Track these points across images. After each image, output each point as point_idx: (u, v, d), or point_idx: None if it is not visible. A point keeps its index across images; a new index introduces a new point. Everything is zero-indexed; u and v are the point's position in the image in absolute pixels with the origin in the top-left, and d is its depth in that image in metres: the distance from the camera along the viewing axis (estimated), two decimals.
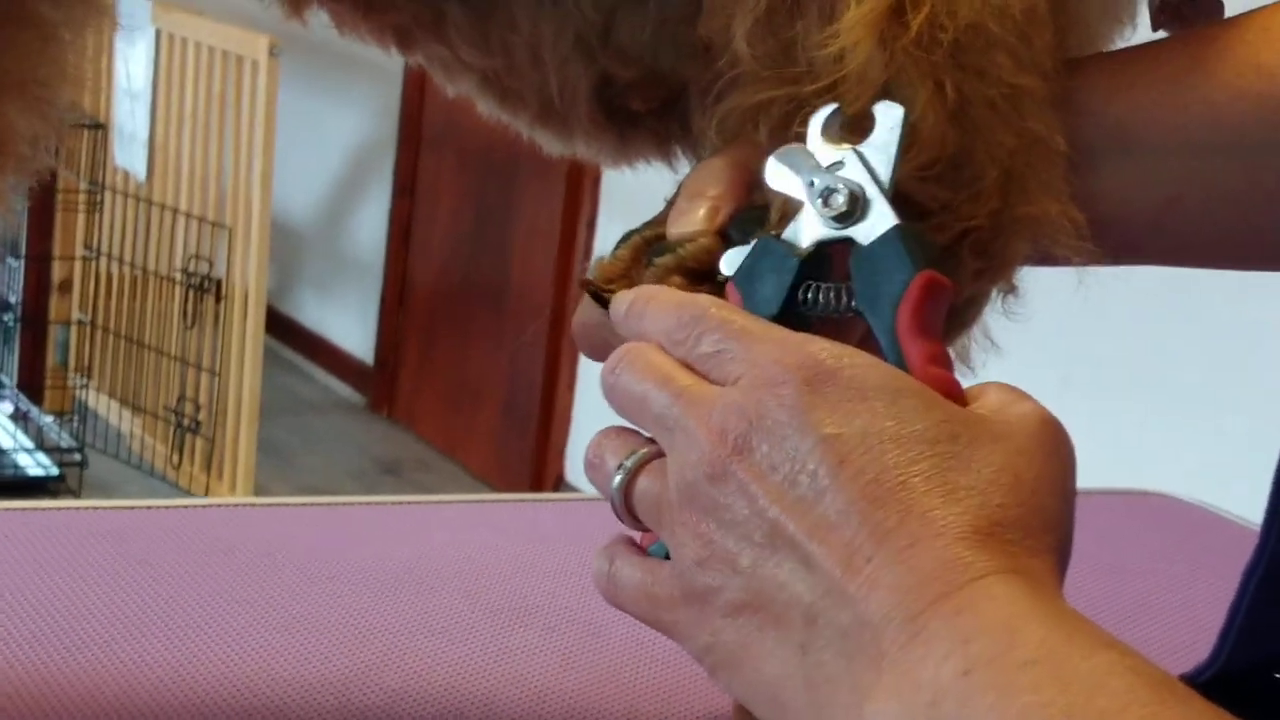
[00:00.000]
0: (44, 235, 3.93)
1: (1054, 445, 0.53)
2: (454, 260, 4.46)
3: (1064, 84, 0.65)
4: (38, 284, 3.95)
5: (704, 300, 0.57)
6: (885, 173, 0.59)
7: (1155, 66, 0.66)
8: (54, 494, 3.62)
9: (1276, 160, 0.63)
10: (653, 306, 0.58)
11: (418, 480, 4.20)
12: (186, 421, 3.73)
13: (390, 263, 4.65)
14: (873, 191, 0.58)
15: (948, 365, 0.56)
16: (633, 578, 0.57)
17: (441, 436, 4.45)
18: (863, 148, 0.59)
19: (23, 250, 3.93)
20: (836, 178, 0.59)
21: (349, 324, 4.82)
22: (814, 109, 0.62)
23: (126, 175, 3.85)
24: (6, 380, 3.96)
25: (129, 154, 3.82)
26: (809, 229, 0.59)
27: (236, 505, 1.20)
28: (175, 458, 3.76)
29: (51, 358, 4.05)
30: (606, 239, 0.72)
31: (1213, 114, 0.65)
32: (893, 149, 0.59)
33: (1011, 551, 0.49)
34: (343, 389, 4.81)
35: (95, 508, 1.14)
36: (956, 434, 0.51)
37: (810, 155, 0.60)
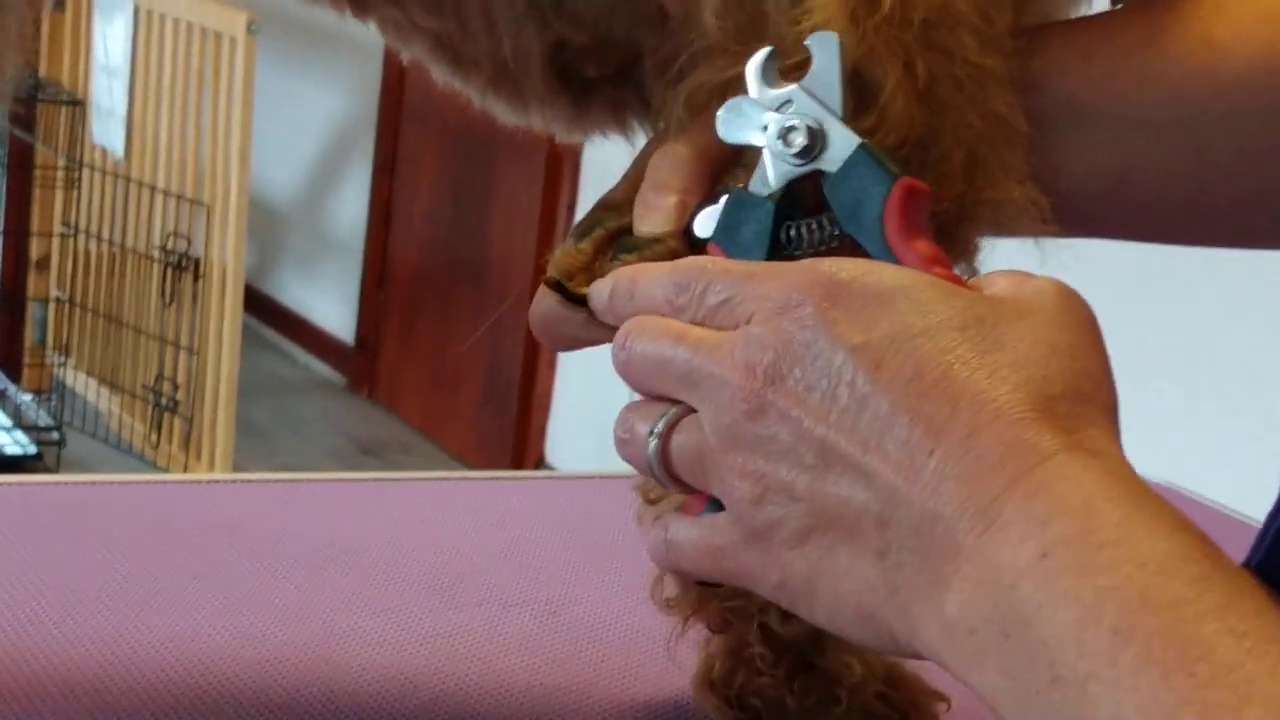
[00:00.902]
0: (22, 212, 3.92)
1: (1077, 310, 0.53)
2: (435, 240, 4.45)
3: (1023, 63, 0.64)
4: (15, 261, 3.93)
5: (697, 259, 0.57)
6: (835, 99, 0.58)
7: (1109, 40, 0.66)
8: (32, 473, 3.61)
9: (1228, 136, 0.63)
10: (642, 281, 0.58)
11: (398, 461, 4.19)
12: (165, 401, 3.72)
13: (371, 242, 4.64)
14: (829, 121, 0.58)
15: (946, 264, 0.56)
16: (690, 536, 0.57)
17: (422, 417, 4.44)
18: (806, 82, 0.59)
19: (0, 227, 3.91)
20: (790, 115, 0.59)
21: (329, 303, 4.80)
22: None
23: (104, 152, 3.83)
24: None
25: (107, 131, 3.80)
26: (775, 171, 0.59)
27: (197, 482, 1.20)
28: (154, 437, 3.75)
29: (30, 335, 4.03)
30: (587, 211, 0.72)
31: (1165, 89, 0.65)
32: (834, 75, 0.59)
33: (1071, 425, 0.49)
34: (323, 369, 4.80)
35: (58, 483, 1.13)
36: (982, 316, 0.51)
37: (756, 102, 0.60)
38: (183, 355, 3.69)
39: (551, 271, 0.63)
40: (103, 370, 3.94)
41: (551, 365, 3.96)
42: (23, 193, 3.90)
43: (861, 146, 0.57)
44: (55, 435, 3.73)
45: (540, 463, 4.01)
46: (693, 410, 0.55)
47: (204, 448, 3.64)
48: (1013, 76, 0.64)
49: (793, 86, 0.59)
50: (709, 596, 0.81)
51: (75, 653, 0.82)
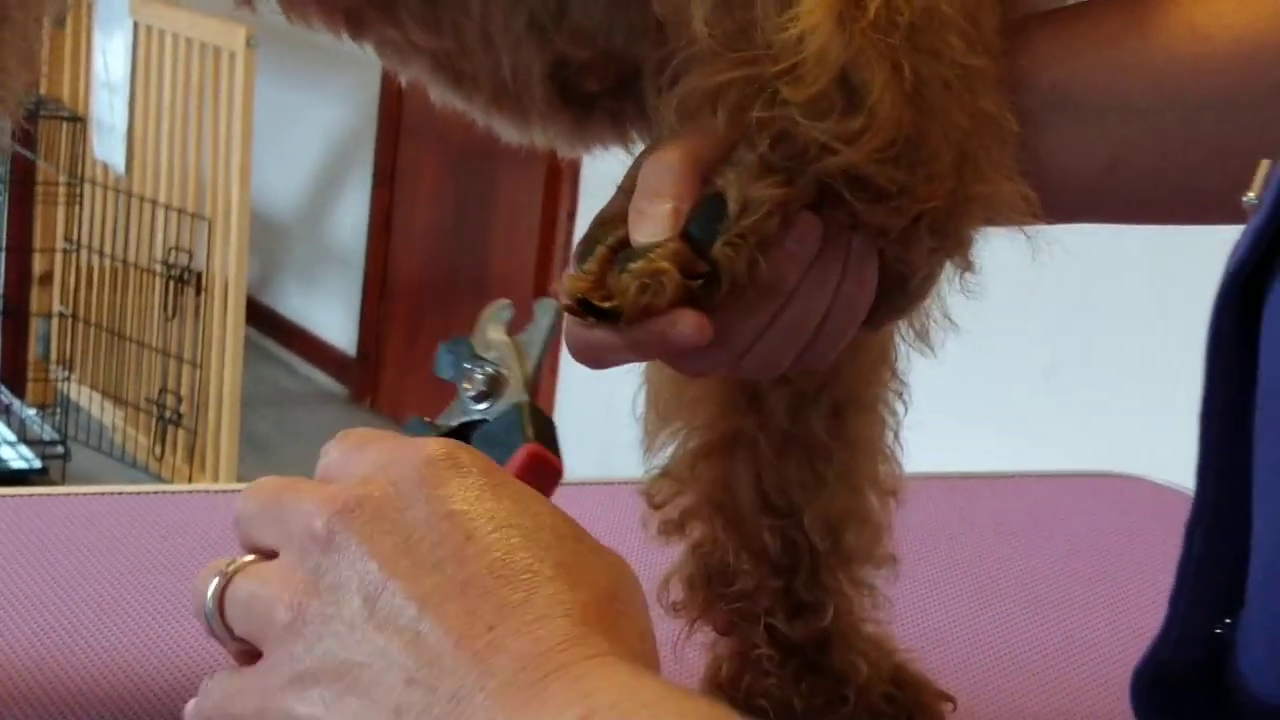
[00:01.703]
0: (24, 228, 3.92)
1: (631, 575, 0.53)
2: (435, 250, 4.45)
3: (1011, 62, 0.65)
4: (18, 277, 3.94)
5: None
6: (532, 358, 0.60)
7: (1093, 28, 0.67)
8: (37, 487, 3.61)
9: (1213, 119, 0.64)
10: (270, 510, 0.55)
11: None
12: (168, 413, 3.72)
13: (371, 253, 4.65)
14: (514, 375, 0.60)
15: None
16: (218, 687, 0.53)
17: None
18: (521, 336, 0.61)
19: (3, 243, 3.92)
20: (484, 362, 0.60)
21: (331, 315, 4.81)
22: (773, 90, 0.62)
23: (106, 168, 3.84)
24: None
25: (108, 147, 3.80)
26: (458, 412, 0.60)
27: (196, 492, 1.20)
28: (158, 449, 3.76)
29: (33, 350, 4.04)
30: (586, 228, 0.72)
31: (1149, 75, 0.66)
32: (540, 339, 0.60)
33: (622, 638, 0.49)
34: (325, 380, 4.80)
35: (60, 494, 1.14)
36: (580, 535, 0.51)
37: (470, 345, 0.61)
38: (186, 368, 3.69)
39: (565, 299, 0.64)
40: (106, 384, 3.94)
41: (553, 373, 3.97)
42: (25, 209, 3.91)
43: (516, 404, 0.58)
44: (60, 449, 3.74)
45: None
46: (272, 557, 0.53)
47: (208, 460, 3.65)
48: (1001, 75, 0.65)
49: (507, 339, 0.60)
50: (715, 599, 0.82)
51: (78, 662, 0.83)
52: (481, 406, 0.60)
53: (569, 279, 0.64)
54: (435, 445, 0.52)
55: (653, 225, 0.64)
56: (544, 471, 0.57)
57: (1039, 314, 2.48)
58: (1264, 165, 0.55)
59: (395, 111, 4.52)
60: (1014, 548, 1.13)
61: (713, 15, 0.64)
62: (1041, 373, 2.54)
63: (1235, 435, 0.54)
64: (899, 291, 0.67)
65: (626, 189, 0.66)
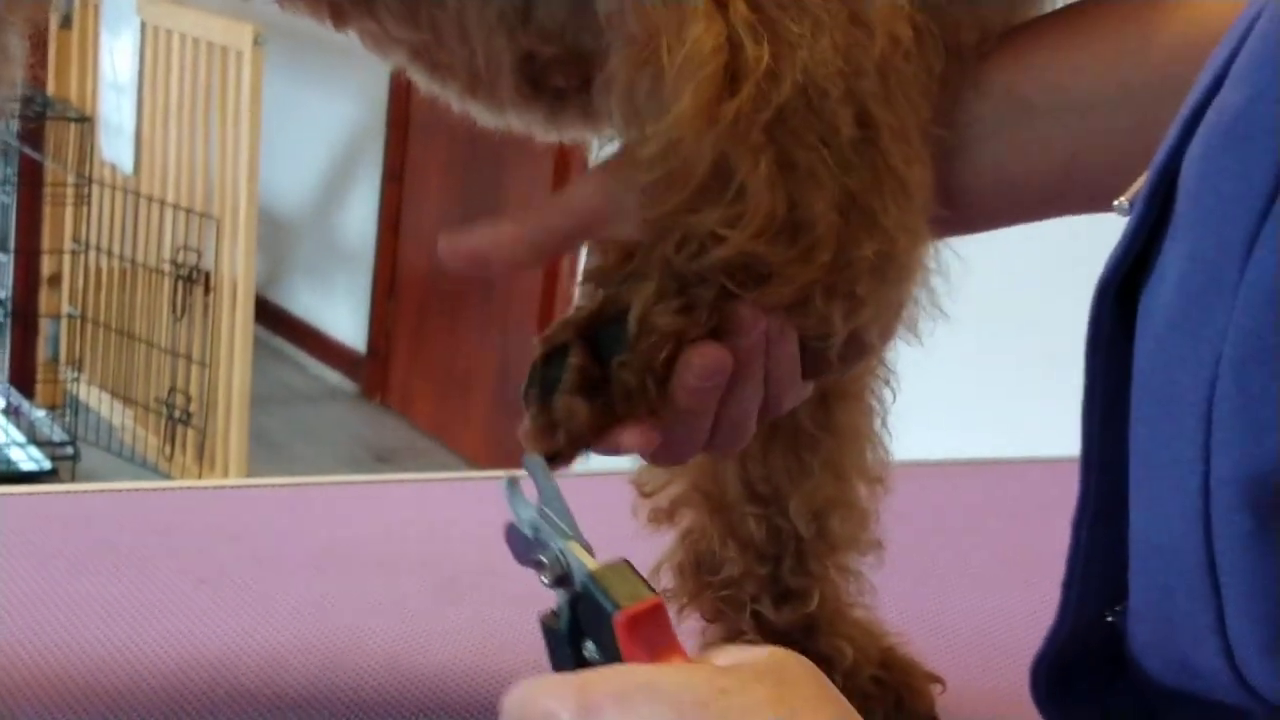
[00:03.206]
0: (32, 229, 3.93)
1: (799, 667, 0.54)
2: None
3: (946, 93, 0.67)
4: (27, 278, 3.95)
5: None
6: (566, 520, 0.60)
7: (1042, 33, 0.69)
8: None
9: (1167, 107, 0.65)
10: None
11: (411, 467, 4.20)
12: (178, 413, 3.73)
13: (380, 250, 4.66)
14: (568, 548, 0.60)
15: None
16: None
17: (434, 423, 4.45)
18: (541, 504, 0.61)
19: (11, 245, 3.93)
20: (538, 545, 0.60)
21: (340, 312, 4.82)
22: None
23: (113, 168, 3.85)
24: None
25: (115, 147, 3.82)
26: (558, 601, 0.60)
27: (203, 488, 1.21)
28: (168, 449, 3.77)
29: (42, 352, 4.05)
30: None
31: (1100, 70, 0.67)
32: (554, 496, 0.61)
33: None
34: (335, 377, 4.82)
35: (67, 492, 1.15)
36: (725, 688, 0.52)
37: (521, 532, 0.61)
38: (195, 367, 3.71)
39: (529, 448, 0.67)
40: (115, 384, 3.95)
41: None
42: (33, 210, 3.92)
43: (589, 576, 0.59)
44: (69, 450, 3.74)
45: None
46: None
47: (218, 459, 3.66)
48: (924, 125, 0.66)
49: (535, 512, 0.61)
50: (704, 586, 0.83)
51: (87, 656, 0.84)
52: (563, 589, 0.60)
53: (526, 438, 0.68)
54: (557, 689, 0.54)
55: (555, 324, 0.67)
56: (648, 618, 0.58)
57: (1040, 303, 2.48)
58: (1141, 179, 0.57)
59: (404, 108, 4.53)
60: (1008, 533, 1.13)
61: (617, 99, 0.66)
62: (1042, 361, 2.54)
63: (1115, 430, 0.56)
64: (822, 360, 0.69)
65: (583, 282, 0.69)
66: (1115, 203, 0.59)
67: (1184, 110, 0.55)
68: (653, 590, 0.58)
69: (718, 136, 0.63)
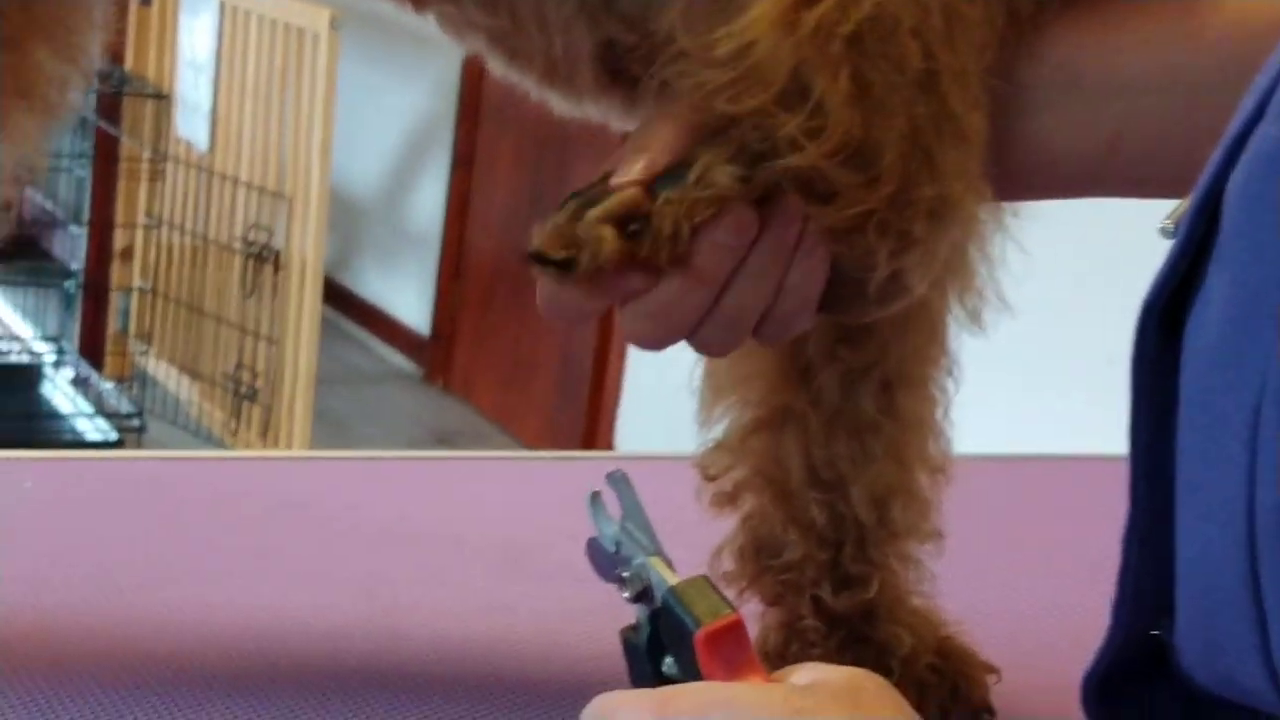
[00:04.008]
0: (106, 203, 3.98)
1: (878, 687, 0.56)
2: (510, 233, 4.48)
3: (1015, 48, 0.67)
4: (99, 251, 3.99)
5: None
6: (646, 535, 0.61)
7: (1096, 9, 0.69)
8: None
9: (1214, 95, 0.65)
10: None
11: (472, 450, 4.23)
12: (244, 389, 3.76)
13: (448, 235, 4.68)
14: (650, 564, 0.61)
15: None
16: None
17: (496, 408, 4.47)
18: (624, 520, 0.62)
19: (85, 218, 3.98)
20: (620, 561, 0.61)
21: (406, 296, 4.85)
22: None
23: (188, 145, 3.89)
24: (67, 346, 4.01)
25: (191, 125, 3.85)
26: (638, 615, 0.61)
27: (270, 459, 1.23)
28: (233, 424, 3.80)
29: (113, 324, 4.09)
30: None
31: (1150, 54, 0.67)
32: (636, 510, 0.62)
33: None
34: (399, 360, 4.84)
35: (135, 458, 1.17)
36: (800, 708, 0.54)
37: (602, 546, 0.62)
38: (262, 345, 3.73)
39: (532, 246, 0.67)
40: (184, 359, 3.99)
41: (622, 355, 3.99)
42: (107, 185, 3.96)
43: (669, 592, 0.59)
44: (136, 422, 3.79)
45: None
46: None
47: (281, 435, 3.68)
48: (989, 67, 0.67)
49: (618, 527, 0.62)
50: (764, 570, 0.83)
51: (150, 623, 0.85)
52: (644, 604, 0.61)
53: (537, 232, 0.68)
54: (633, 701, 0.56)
55: (627, 169, 0.68)
56: (728, 636, 0.58)
57: (1106, 303, 2.47)
58: (1185, 201, 0.57)
59: (475, 96, 4.54)
60: (1069, 529, 1.13)
61: (684, 22, 0.67)
62: (1106, 361, 2.53)
63: (1161, 451, 0.56)
64: (858, 294, 0.69)
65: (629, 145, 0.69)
66: (1161, 225, 0.59)
67: (1227, 135, 0.55)
68: (731, 607, 0.59)
69: (797, 42, 0.64)
